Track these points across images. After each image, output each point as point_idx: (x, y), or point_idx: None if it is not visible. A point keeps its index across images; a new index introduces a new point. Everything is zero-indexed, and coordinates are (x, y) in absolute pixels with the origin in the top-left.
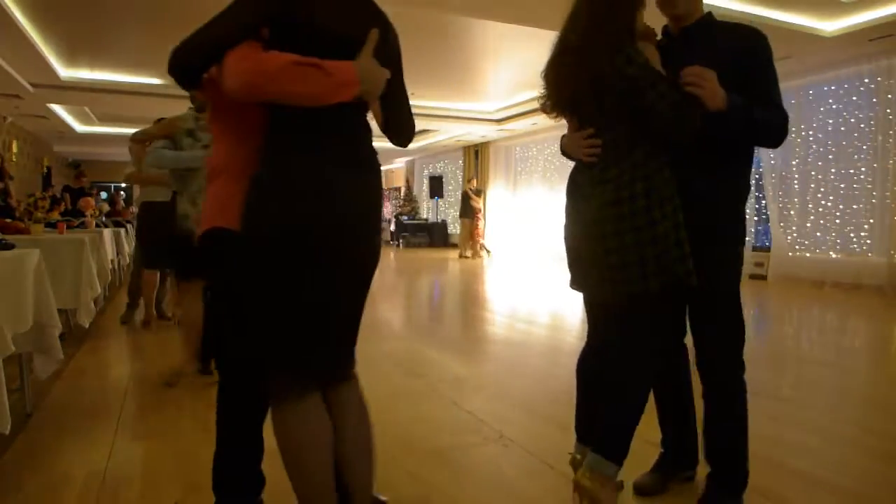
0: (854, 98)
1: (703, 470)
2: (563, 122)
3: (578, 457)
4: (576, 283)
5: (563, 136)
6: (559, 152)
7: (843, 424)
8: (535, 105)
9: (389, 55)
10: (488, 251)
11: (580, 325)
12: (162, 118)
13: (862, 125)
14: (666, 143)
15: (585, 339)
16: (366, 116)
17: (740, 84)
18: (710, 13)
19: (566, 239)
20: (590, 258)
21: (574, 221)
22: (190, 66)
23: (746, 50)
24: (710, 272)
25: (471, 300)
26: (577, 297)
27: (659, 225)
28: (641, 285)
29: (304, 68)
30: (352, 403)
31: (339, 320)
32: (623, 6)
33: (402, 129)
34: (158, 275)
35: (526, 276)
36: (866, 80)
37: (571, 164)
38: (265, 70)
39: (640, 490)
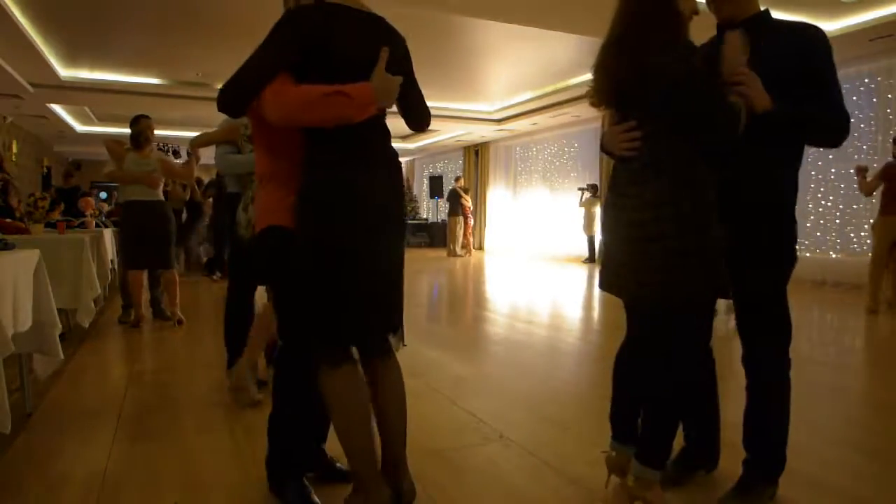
0: (854, 98)
1: (725, 465)
2: (564, 121)
3: (614, 454)
4: (612, 285)
5: (604, 133)
6: (559, 152)
7: (843, 424)
8: (535, 105)
9: (400, 62)
10: (470, 251)
11: (580, 324)
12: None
13: (862, 125)
14: (710, 141)
15: (625, 335)
16: (384, 120)
17: (796, 83)
18: (766, 10)
19: (605, 238)
20: (630, 260)
21: (614, 221)
22: (236, 103)
23: (803, 48)
24: (757, 272)
25: (471, 300)
26: (578, 298)
27: (702, 231)
28: (682, 291)
29: (331, 97)
30: (388, 374)
31: (371, 304)
32: None
33: (419, 118)
34: (146, 274)
35: (526, 275)
36: (866, 80)
37: (571, 164)
38: (300, 102)
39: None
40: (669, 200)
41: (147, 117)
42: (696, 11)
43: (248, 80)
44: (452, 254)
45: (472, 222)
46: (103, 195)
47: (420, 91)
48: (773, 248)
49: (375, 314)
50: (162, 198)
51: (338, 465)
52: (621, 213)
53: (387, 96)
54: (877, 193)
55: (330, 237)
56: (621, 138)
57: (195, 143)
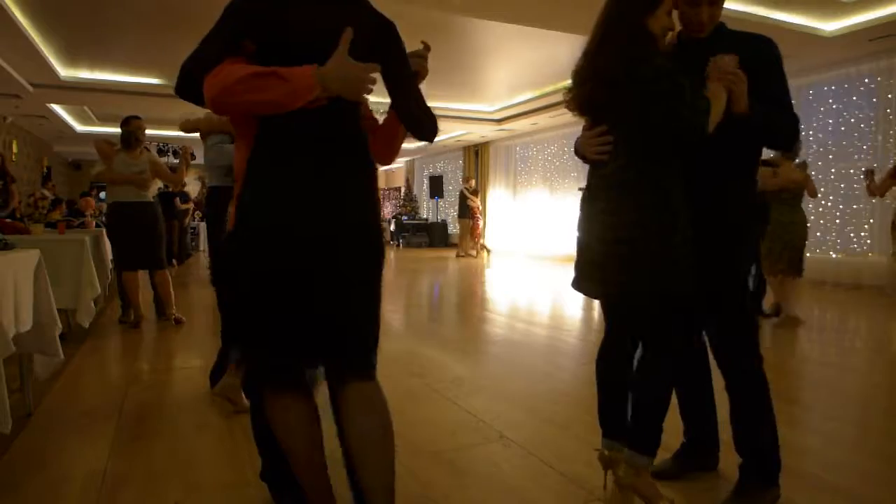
0: (854, 98)
1: (725, 460)
2: (564, 121)
3: (606, 452)
4: (584, 284)
5: (578, 139)
6: (559, 152)
7: (843, 425)
8: (535, 105)
9: (385, 50)
10: (488, 250)
11: (580, 325)
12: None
13: (862, 125)
14: (679, 144)
15: (602, 337)
16: (353, 119)
17: (752, 88)
18: (721, 23)
19: (579, 239)
20: (601, 260)
21: (587, 223)
22: (188, 88)
23: (759, 58)
24: (720, 269)
25: (471, 300)
26: (578, 297)
27: (667, 235)
28: (648, 292)
29: (262, 78)
30: (357, 403)
31: (310, 321)
32: (632, 9)
33: (416, 122)
34: (148, 274)
35: (526, 275)
36: (866, 80)
37: (571, 164)
38: (224, 84)
39: (657, 474)
40: (637, 205)
41: (138, 118)
42: (670, 28)
43: (196, 63)
44: (463, 255)
45: (480, 223)
46: (103, 195)
47: (415, 88)
48: (738, 245)
49: (310, 334)
50: (150, 199)
51: None
52: (595, 216)
53: (343, 84)
54: (889, 193)
55: (248, 248)
56: (593, 143)
57: (185, 127)
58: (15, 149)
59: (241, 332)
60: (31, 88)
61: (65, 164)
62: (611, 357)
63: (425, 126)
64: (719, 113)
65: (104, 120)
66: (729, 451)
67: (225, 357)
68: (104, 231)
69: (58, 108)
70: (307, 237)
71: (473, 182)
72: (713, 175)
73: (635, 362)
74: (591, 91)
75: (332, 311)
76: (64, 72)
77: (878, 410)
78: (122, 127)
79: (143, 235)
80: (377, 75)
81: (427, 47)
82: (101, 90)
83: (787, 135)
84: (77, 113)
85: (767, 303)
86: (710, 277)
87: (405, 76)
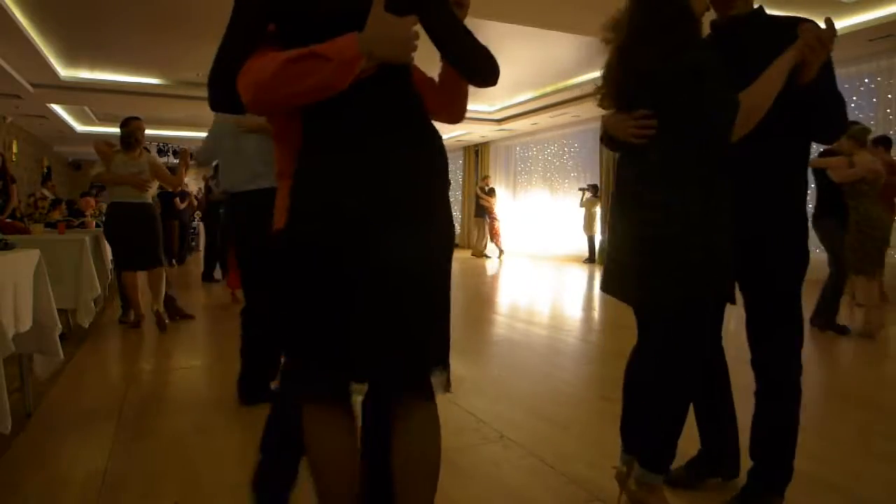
0: (854, 98)
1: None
2: (565, 121)
3: (624, 468)
4: (611, 287)
5: (606, 117)
6: (559, 152)
7: (843, 425)
8: (535, 105)
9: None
10: (501, 251)
11: (580, 325)
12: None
13: None
14: (703, 136)
15: (636, 341)
16: (404, 82)
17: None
18: (761, 7)
19: (609, 239)
20: (635, 260)
21: (621, 220)
22: (225, 98)
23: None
24: (769, 273)
25: (471, 300)
26: (578, 298)
27: (709, 233)
28: (682, 292)
29: (299, 63)
30: (409, 425)
31: (361, 322)
32: None
33: (471, 64)
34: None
35: (526, 276)
36: (866, 80)
37: (571, 164)
38: (260, 81)
39: (670, 482)
40: (679, 201)
41: (137, 119)
42: (707, 8)
43: (222, 75)
44: (478, 255)
45: (497, 223)
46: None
47: (461, 24)
48: (786, 246)
49: (368, 337)
50: (149, 200)
51: None
52: (630, 213)
53: (390, 45)
54: None
55: (302, 233)
56: (631, 124)
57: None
58: (15, 149)
59: (290, 338)
60: (31, 88)
61: (65, 164)
62: (643, 367)
63: (485, 68)
64: (769, 97)
65: (104, 120)
66: (747, 459)
67: (255, 364)
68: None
69: (58, 108)
70: (368, 221)
71: (489, 181)
72: (763, 168)
73: (653, 373)
74: (628, 80)
75: (413, 309)
76: (64, 72)
77: (876, 410)
78: (121, 128)
79: (142, 236)
80: (419, 28)
81: None
82: (101, 90)
83: (839, 121)
84: (77, 113)
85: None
86: (759, 279)
87: (449, 20)
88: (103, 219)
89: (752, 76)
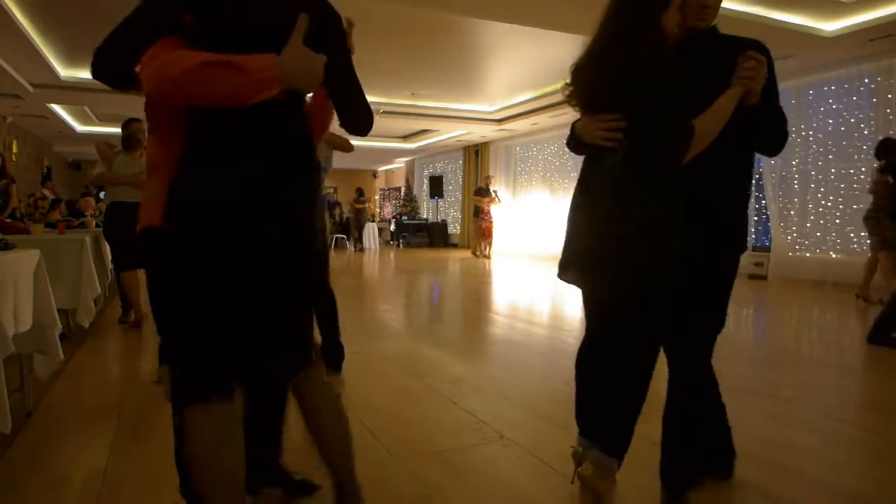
0: (854, 98)
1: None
2: (564, 121)
3: (580, 449)
4: (569, 276)
5: (576, 122)
6: (559, 152)
7: (843, 425)
8: (535, 105)
9: (328, 39)
10: (487, 255)
11: (580, 325)
12: None
13: (862, 125)
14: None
15: (584, 334)
16: (299, 112)
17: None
18: (714, 26)
19: (569, 230)
20: (592, 254)
21: (581, 215)
22: (106, 69)
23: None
24: (708, 274)
25: (470, 300)
26: (578, 298)
27: (666, 232)
28: (638, 288)
29: (214, 69)
30: (312, 396)
31: (242, 326)
32: (650, 6)
33: (351, 115)
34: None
35: (526, 276)
36: (866, 80)
37: (571, 164)
38: (169, 75)
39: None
40: (637, 202)
41: (138, 121)
42: (678, 24)
43: (119, 42)
44: (481, 256)
45: (487, 224)
46: (103, 195)
47: (355, 79)
48: (729, 250)
49: (254, 335)
50: None
51: (297, 476)
52: (591, 209)
53: (301, 77)
54: None
55: (179, 255)
56: (598, 126)
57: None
58: (15, 149)
59: (180, 341)
60: (31, 88)
61: (65, 164)
62: (590, 357)
63: (361, 123)
64: (720, 124)
65: (104, 120)
66: (746, 460)
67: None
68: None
69: (58, 108)
70: (254, 227)
71: (489, 181)
72: (711, 178)
73: (605, 358)
74: (594, 86)
75: (276, 320)
76: (64, 72)
77: (876, 410)
78: (122, 129)
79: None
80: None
81: (351, 23)
82: (101, 90)
83: (782, 135)
84: (77, 113)
85: None
86: (700, 278)
87: (348, 69)
88: (102, 218)
89: (699, 88)
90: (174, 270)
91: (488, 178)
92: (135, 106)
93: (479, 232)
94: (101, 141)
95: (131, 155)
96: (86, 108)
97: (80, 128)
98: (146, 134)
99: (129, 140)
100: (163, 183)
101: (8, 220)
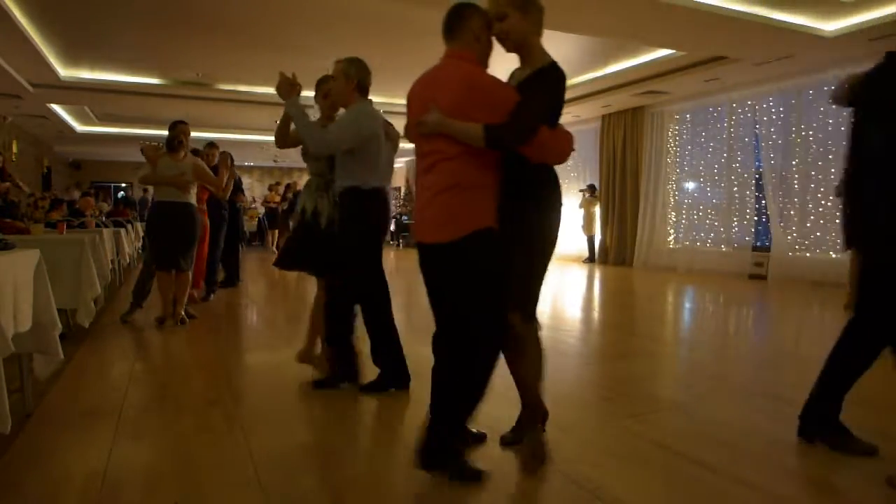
0: None
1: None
2: (565, 121)
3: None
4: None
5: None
6: None
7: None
8: None
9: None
10: None
11: (580, 325)
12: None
13: None
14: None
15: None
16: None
17: None
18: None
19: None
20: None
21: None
22: (522, 142)
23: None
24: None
25: None
26: (577, 298)
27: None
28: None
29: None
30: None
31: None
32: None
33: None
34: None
35: None
36: None
37: (571, 164)
38: (561, 146)
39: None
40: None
41: (184, 123)
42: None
43: (534, 128)
44: None
45: None
46: (121, 195)
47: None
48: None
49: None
50: (191, 200)
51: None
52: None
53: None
54: None
55: (555, 230)
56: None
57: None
58: (15, 149)
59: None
60: (31, 88)
61: (65, 164)
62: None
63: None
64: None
65: (104, 120)
66: (747, 459)
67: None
68: (104, 231)
69: (58, 108)
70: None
71: None
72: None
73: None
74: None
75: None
76: (64, 72)
77: (875, 410)
78: (168, 131)
79: (177, 234)
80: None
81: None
82: (101, 90)
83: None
84: (77, 113)
85: None
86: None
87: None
88: (103, 218)
89: None
90: (500, 252)
91: None
92: (135, 106)
93: None
94: (146, 143)
95: (174, 156)
96: (86, 108)
97: (79, 128)
98: (188, 136)
99: (172, 142)
100: (487, 198)
101: (8, 221)
